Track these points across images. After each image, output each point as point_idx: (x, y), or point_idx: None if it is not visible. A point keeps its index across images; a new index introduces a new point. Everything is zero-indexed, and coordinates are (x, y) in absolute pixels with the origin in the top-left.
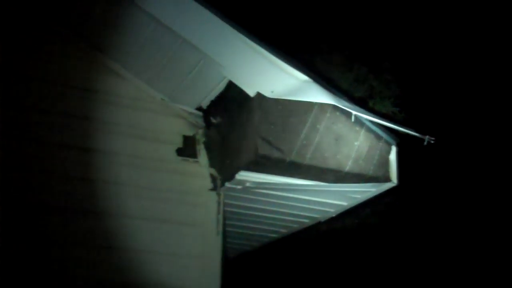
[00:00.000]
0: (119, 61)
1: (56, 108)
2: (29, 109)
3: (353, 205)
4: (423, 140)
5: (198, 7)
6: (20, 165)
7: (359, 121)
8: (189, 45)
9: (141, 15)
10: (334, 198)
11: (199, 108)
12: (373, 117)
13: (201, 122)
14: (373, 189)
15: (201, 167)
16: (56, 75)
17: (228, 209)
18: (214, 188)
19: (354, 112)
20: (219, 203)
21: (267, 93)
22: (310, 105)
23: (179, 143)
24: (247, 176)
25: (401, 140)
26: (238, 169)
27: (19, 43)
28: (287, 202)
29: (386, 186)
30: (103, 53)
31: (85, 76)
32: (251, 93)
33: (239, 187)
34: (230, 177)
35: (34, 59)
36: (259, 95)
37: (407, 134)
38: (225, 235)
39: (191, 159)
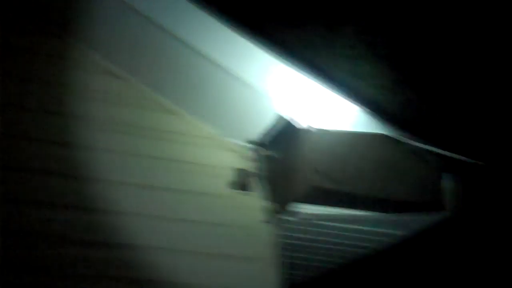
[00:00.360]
0: (170, 97)
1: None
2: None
3: (409, 234)
4: (476, 164)
5: (245, 41)
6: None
7: (410, 147)
8: (237, 79)
9: (190, 53)
10: (388, 227)
11: (250, 141)
12: (423, 143)
13: (252, 154)
14: (428, 218)
15: (253, 200)
16: (102, 112)
17: (283, 240)
18: (268, 221)
19: (404, 139)
20: (273, 235)
21: (316, 123)
22: (360, 133)
23: (230, 176)
24: (299, 208)
25: (457, 166)
26: (290, 201)
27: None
28: (341, 233)
29: (441, 215)
30: (155, 90)
31: (136, 113)
32: (300, 124)
33: (292, 219)
34: (282, 209)
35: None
36: (308, 126)
37: (464, 160)
38: (281, 267)
39: (243, 192)
